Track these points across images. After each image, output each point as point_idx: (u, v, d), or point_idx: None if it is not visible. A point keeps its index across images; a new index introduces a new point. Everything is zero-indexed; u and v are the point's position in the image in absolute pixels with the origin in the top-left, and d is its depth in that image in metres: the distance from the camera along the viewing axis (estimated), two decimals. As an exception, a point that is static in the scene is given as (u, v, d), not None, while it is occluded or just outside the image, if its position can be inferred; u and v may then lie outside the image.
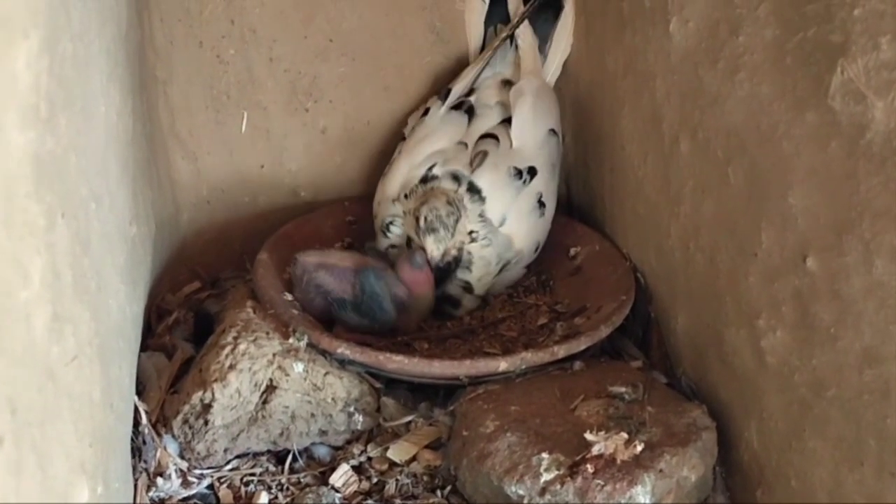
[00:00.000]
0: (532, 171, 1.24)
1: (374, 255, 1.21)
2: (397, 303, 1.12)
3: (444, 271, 1.18)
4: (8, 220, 0.49)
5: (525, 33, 1.35)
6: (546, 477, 0.91)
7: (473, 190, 1.20)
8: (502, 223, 1.20)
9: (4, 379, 0.48)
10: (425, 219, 1.14)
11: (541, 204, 1.25)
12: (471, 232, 1.18)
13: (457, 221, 1.15)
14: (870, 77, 0.72)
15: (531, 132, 1.27)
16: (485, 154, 1.24)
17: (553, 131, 1.30)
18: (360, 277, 1.11)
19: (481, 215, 1.19)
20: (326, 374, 1.03)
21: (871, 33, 0.72)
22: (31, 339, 0.53)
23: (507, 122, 1.28)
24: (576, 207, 1.42)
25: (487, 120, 1.30)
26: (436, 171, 1.21)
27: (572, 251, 1.30)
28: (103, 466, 0.72)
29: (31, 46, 0.51)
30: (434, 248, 1.13)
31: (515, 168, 1.23)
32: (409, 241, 1.20)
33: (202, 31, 1.26)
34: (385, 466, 1.02)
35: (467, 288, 1.20)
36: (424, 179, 1.20)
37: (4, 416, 0.48)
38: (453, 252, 1.17)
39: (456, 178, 1.20)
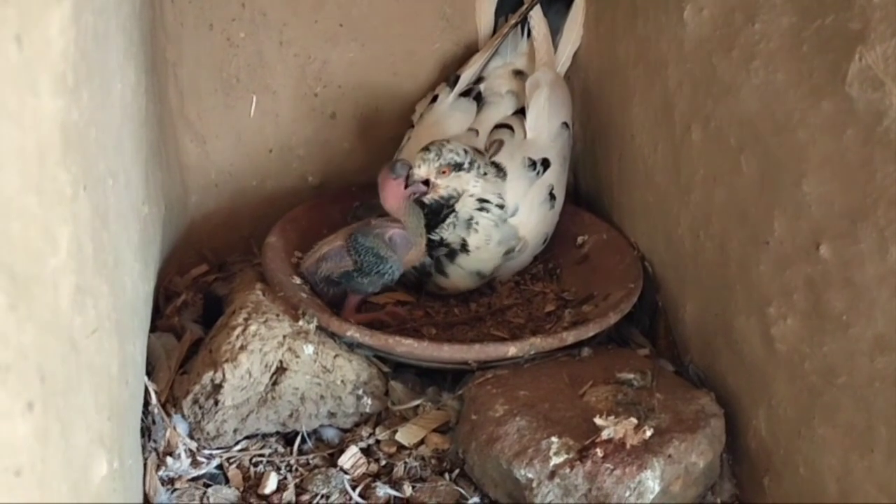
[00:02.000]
0: (545, 163, 1.25)
1: (361, 212, 1.20)
2: (394, 244, 1.12)
3: (434, 212, 1.16)
4: (40, 186, 0.49)
5: (540, 24, 1.35)
6: (555, 461, 0.91)
7: (498, 167, 1.21)
8: (514, 213, 1.21)
9: (35, 345, 0.48)
10: (430, 142, 1.14)
11: (551, 196, 1.25)
12: (483, 200, 1.18)
13: (457, 166, 1.14)
14: (888, 64, 0.73)
15: (546, 124, 1.28)
16: (501, 143, 1.24)
17: (565, 124, 1.31)
18: (350, 244, 1.11)
19: (500, 196, 1.19)
20: (336, 356, 1.03)
21: (890, 20, 0.72)
22: (57, 307, 0.53)
23: (520, 112, 1.28)
24: (584, 196, 1.42)
25: (499, 108, 1.30)
26: None
27: (580, 239, 1.31)
28: (119, 442, 0.72)
29: (64, 13, 0.51)
30: (417, 163, 1.13)
31: (530, 159, 1.23)
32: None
33: (213, 14, 1.26)
34: (393, 449, 1.02)
35: (463, 247, 1.18)
36: None
37: (35, 382, 0.48)
38: (441, 192, 1.15)
39: (479, 152, 1.21)
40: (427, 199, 1.15)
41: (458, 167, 1.14)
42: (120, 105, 0.83)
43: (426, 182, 1.14)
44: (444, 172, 1.14)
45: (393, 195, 1.13)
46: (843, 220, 0.80)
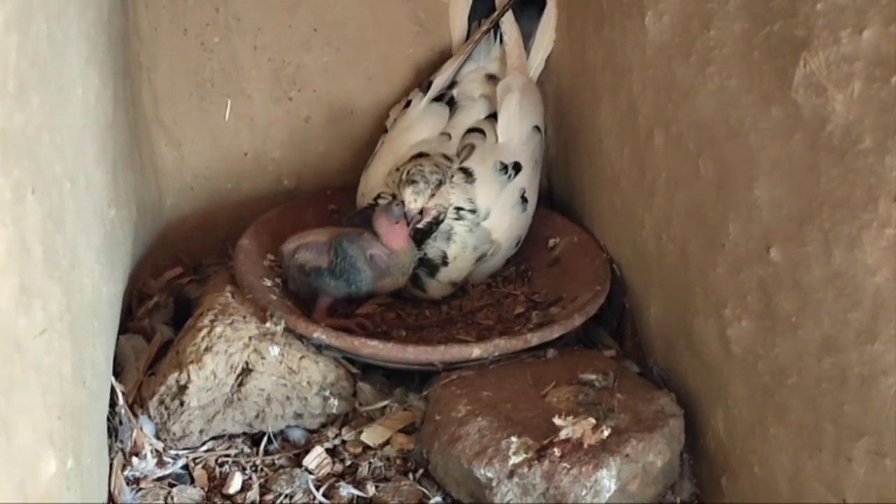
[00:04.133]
0: (517, 167, 1.26)
1: (357, 220, 1.21)
2: (374, 264, 1.14)
3: (425, 233, 1.18)
4: (-29, 191, 0.50)
5: (511, 29, 1.36)
6: (514, 460, 0.92)
7: (466, 172, 1.23)
8: (486, 216, 1.22)
9: (-33, 345, 0.50)
10: (407, 172, 1.16)
11: (523, 199, 1.27)
12: (458, 209, 1.20)
13: (439, 183, 1.16)
14: (830, 70, 0.74)
15: (517, 128, 1.29)
16: (472, 147, 1.26)
17: (537, 128, 1.32)
18: (333, 244, 1.12)
19: (471, 201, 1.21)
20: (302, 358, 1.05)
21: (832, 27, 0.73)
22: (-5, 309, 0.55)
23: (492, 117, 1.30)
24: (556, 199, 1.44)
25: (471, 113, 1.31)
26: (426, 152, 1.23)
27: (551, 242, 1.32)
28: (74, 441, 0.73)
29: (-3, 24, 0.53)
30: (412, 199, 1.14)
31: (501, 163, 1.25)
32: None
33: (187, 19, 1.27)
34: (359, 449, 1.03)
35: (444, 260, 1.20)
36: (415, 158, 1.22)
37: (-33, 382, 0.49)
38: (433, 213, 1.17)
39: (447, 157, 1.22)
40: (422, 224, 1.17)
41: (440, 184, 1.17)
42: (82, 109, 0.85)
43: (420, 211, 1.16)
44: (432, 195, 1.16)
45: (398, 237, 1.15)
46: (791, 223, 0.81)
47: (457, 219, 1.20)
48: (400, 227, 1.14)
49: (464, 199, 1.20)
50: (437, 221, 1.19)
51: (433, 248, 1.20)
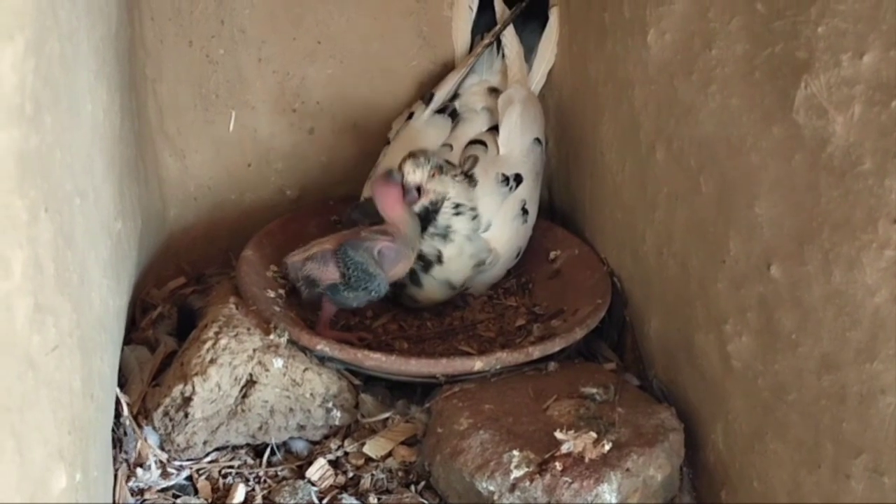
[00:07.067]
0: (518, 179, 1.27)
1: (356, 214, 1.22)
2: (384, 259, 1.13)
3: (421, 220, 1.18)
4: (-10, 214, 0.51)
5: (512, 43, 1.37)
6: (516, 474, 0.93)
7: (468, 176, 1.24)
8: (487, 228, 1.23)
9: (-15, 366, 0.50)
10: (409, 152, 1.16)
11: (524, 211, 1.28)
12: (457, 205, 1.20)
13: (440, 167, 1.16)
14: (831, 92, 0.75)
15: (518, 140, 1.30)
16: (476, 159, 1.27)
17: (538, 140, 1.33)
18: (338, 257, 1.11)
19: (471, 200, 1.21)
20: (306, 370, 1.05)
21: (833, 50, 0.75)
22: (11, 328, 0.55)
23: (494, 129, 1.31)
24: (558, 212, 1.45)
25: (473, 125, 1.32)
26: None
27: (552, 255, 1.33)
28: (82, 455, 0.74)
29: (17, 49, 0.54)
30: (410, 169, 1.14)
31: (503, 175, 1.26)
32: None
33: (192, 31, 1.28)
34: (361, 461, 1.04)
35: (438, 258, 1.21)
36: None
37: (-16, 400, 0.50)
38: (431, 196, 1.17)
39: (449, 163, 1.23)
40: (417, 206, 1.17)
41: (441, 169, 1.17)
42: (90, 125, 0.86)
43: (418, 189, 1.16)
44: (433, 176, 1.16)
45: (394, 202, 1.14)
46: (791, 241, 0.82)
47: (456, 214, 1.20)
48: (396, 192, 1.13)
49: (464, 198, 1.21)
50: (434, 209, 1.18)
51: (429, 245, 1.20)
